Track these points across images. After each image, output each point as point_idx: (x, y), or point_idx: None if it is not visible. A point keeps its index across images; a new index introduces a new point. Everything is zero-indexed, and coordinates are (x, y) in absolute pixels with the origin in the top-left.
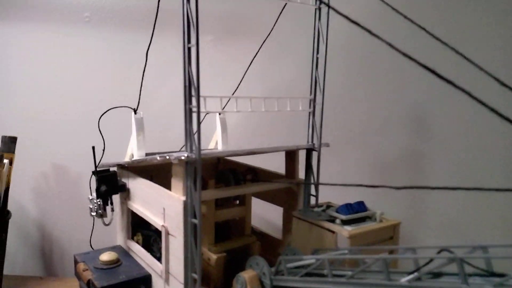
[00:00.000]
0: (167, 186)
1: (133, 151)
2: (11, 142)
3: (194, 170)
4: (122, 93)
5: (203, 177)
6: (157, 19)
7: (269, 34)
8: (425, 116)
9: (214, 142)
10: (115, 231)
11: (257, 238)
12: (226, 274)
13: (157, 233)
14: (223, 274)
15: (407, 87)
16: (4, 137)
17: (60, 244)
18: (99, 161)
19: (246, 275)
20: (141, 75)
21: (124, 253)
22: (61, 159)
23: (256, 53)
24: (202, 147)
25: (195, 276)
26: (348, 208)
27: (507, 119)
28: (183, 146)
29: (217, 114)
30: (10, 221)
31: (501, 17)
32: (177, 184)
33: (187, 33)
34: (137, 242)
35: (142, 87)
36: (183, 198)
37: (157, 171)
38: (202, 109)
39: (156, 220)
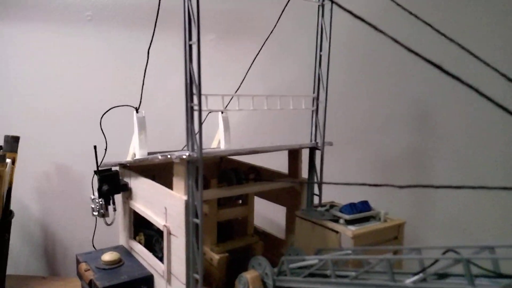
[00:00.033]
0: (170, 185)
1: (135, 150)
2: (13, 141)
3: (195, 169)
4: (124, 92)
5: (205, 176)
6: (158, 17)
7: (271, 33)
8: (428, 113)
9: (216, 141)
10: (118, 231)
11: (260, 238)
12: (229, 275)
13: (159, 233)
14: (225, 275)
15: (409, 84)
16: (6, 137)
17: (62, 244)
18: (101, 161)
19: (249, 275)
20: (143, 74)
21: (126, 253)
22: (63, 159)
23: (258, 53)
24: (204, 146)
25: (197, 276)
26: (352, 207)
27: None
28: (185, 146)
29: (220, 112)
30: (13, 221)
31: (501, 17)
32: (179, 183)
33: (188, 30)
34: (139, 242)
35: (143, 86)
36: (185, 197)
37: (159, 171)
38: (203, 107)
39: (158, 220)
